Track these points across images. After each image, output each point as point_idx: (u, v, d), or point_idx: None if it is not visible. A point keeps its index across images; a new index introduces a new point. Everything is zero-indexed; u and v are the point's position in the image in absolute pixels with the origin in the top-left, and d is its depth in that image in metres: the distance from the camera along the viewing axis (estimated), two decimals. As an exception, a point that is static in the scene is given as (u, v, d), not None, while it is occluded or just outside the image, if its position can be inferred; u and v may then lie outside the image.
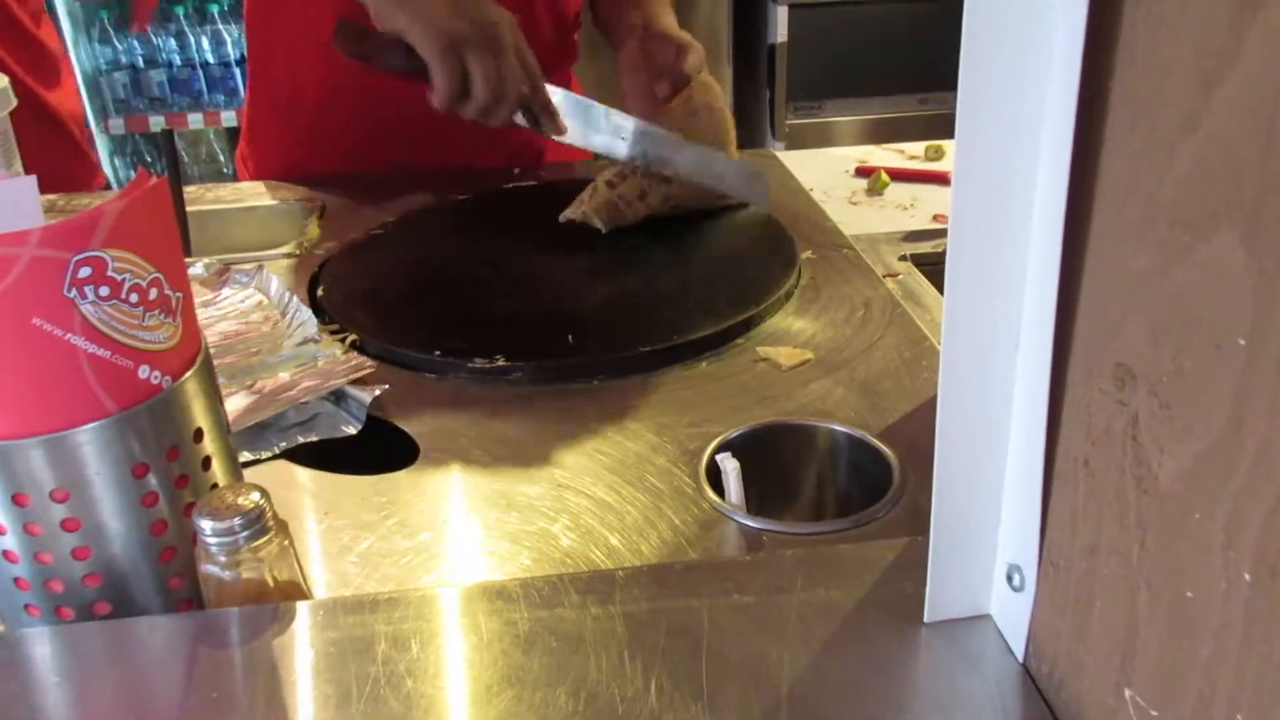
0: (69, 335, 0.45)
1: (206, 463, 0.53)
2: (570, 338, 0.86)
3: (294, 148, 1.34)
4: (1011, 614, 0.45)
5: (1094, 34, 0.34)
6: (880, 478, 0.69)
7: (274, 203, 1.25)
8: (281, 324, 0.91)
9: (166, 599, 0.52)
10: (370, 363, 0.82)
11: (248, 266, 1.01)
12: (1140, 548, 0.34)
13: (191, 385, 0.51)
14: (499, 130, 1.08)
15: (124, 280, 0.46)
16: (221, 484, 0.55)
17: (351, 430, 0.76)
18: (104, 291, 0.45)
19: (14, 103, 0.91)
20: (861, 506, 0.70)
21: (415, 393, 0.82)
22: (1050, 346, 0.38)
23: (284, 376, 0.81)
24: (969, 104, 0.38)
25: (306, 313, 0.90)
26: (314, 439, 0.75)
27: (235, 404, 0.77)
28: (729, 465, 0.65)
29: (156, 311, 0.48)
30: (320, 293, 0.97)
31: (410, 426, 0.78)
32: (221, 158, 3.18)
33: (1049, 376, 0.39)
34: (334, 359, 0.83)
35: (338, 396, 0.79)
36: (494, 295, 0.96)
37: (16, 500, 0.48)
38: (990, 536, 0.45)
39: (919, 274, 1.05)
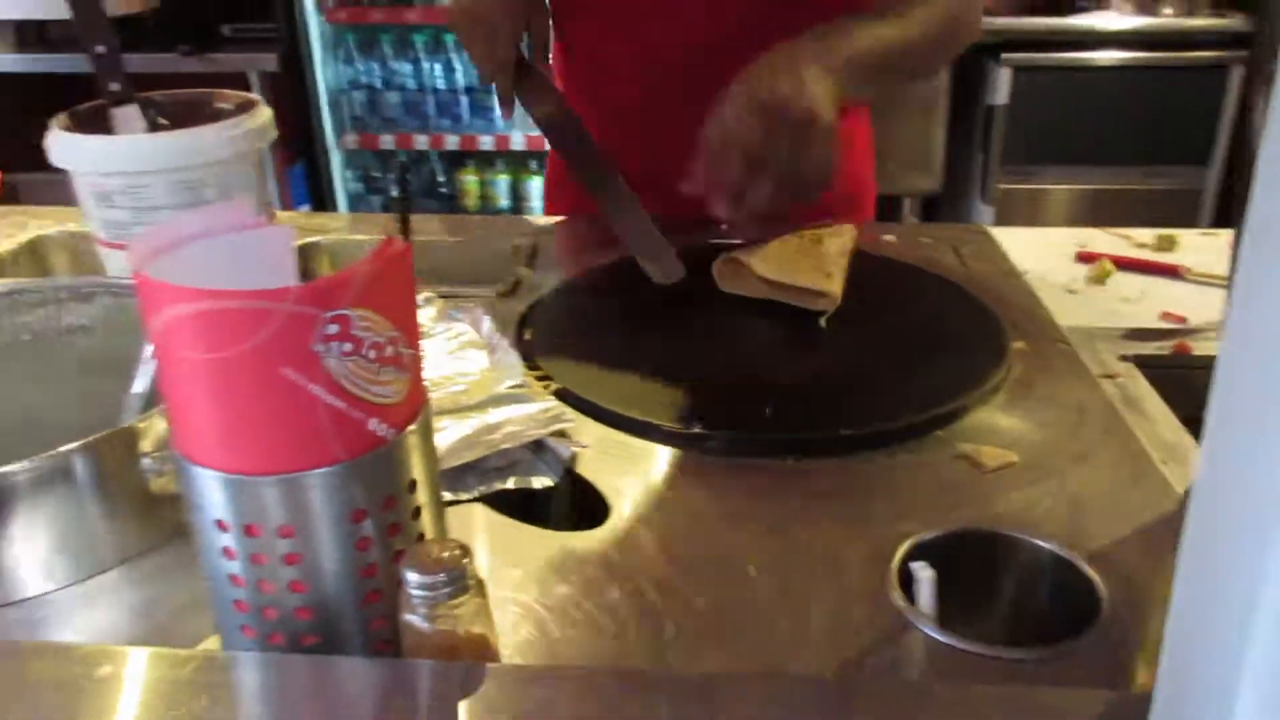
0: (311, 386, 0.48)
1: (416, 513, 0.55)
2: (768, 411, 0.85)
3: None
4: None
5: None
6: (1085, 606, 0.65)
7: (490, 239, 1.30)
8: (489, 364, 0.94)
9: (367, 640, 0.55)
10: (570, 414, 0.84)
11: (463, 303, 1.05)
12: None
13: (412, 439, 0.53)
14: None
15: (365, 338, 0.48)
16: (428, 534, 0.57)
17: (547, 483, 0.78)
18: (346, 348, 0.48)
19: (274, 134, 0.98)
20: (1061, 634, 0.66)
21: (610, 447, 0.84)
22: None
23: (489, 419, 0.83)
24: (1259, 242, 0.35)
25: (513, 356, 0.93)
26: (510, 487, 0.77)
27: (441, 441, 0.80)
28: (924, 574, 0.62)
29: (390, 368, 0.50)
30: (527, 336, 1.00)
31: (602, 483, 0.79)
32: (441, 178, 3.35)
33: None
34: (536, 407, 0.85)
35: (537, 446, 0.81)
36: (695, 355, 0.97)
37: (248, 531, 0.51)
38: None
39: (1141, 378, 0.99)
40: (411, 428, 0.53)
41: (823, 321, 1.02)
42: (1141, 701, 0.50)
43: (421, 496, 0.55)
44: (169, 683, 0.52)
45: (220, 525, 0.52)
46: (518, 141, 3.14)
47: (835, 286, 1.04)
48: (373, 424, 0.50)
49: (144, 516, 0.71)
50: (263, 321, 0.47)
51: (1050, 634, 0.69)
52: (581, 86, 1.32)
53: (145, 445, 0.70)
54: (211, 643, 0.61)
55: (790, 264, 1.06)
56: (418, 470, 0.54)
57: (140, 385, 0.84)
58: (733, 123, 0.92)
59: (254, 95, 1.02)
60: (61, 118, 0.98)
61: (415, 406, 0.54)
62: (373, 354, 0.49)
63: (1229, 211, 3.05)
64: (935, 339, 0.99)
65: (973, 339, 0.98)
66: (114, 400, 0.84)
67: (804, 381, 0.91)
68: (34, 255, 1.29)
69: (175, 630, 0.64)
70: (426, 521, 0.56)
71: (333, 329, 0.47)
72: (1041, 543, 0.69)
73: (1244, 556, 0.39)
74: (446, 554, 0.51)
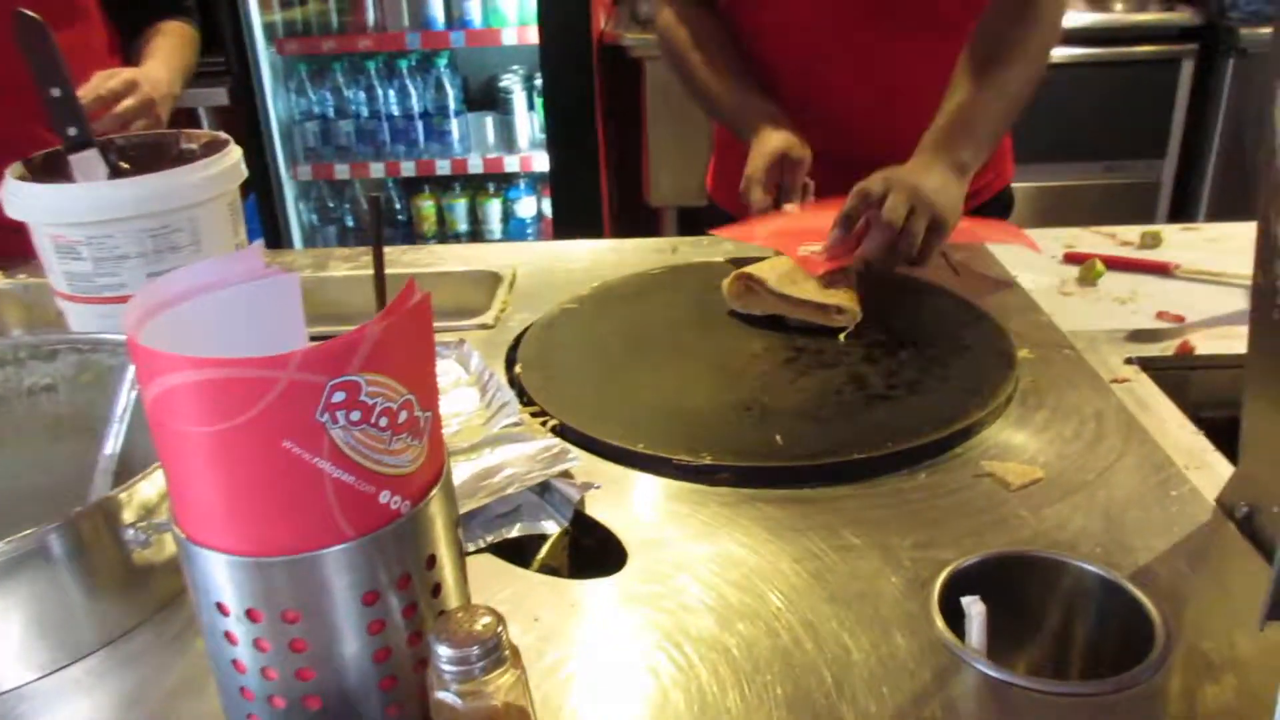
0: (316, 459, 0.44)
1: (436, 589, 0.50)
2: (778, 438, 0.82)
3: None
4: None
5: None
6: (1135, 629, 0.62)
7: (466, 268, 1.26)
8: (481, 402, 0.90)
9: (385, 726, 0.50)
10: (574, 453, 0.80)
11: (448, 338, 1.01)
12: None
13: (430, 509, 0.49)
14: None
15: (375, 404, 0.44)
16: (452, 605, 0.52)
17: (556, 528, 0.73)
18: (355, 416, 0.44)
19: (245, 174, 0.93)
20: (1113, 660, 0.63)
21: (617, 484, 0.80)
22: None
23: (487, 462, 0.79)
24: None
25: (509, 393, 0.89)
26: (516, 534, 0.73)
27: (439, 491, 0.75)
28: (974, 610, 0.59)
29: (404, 435, 0.46)
30: (518, 370, 0.96)
31: (613, 522, 0.75)
32: (398, 205, 3.29)
33: None
34: (536, 446, 0.80)
35: (543, 487, 0.77)
36: (699, 381, 0.93)
37: (250, 615, 0.47)
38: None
39: (1148, 380, 0.97)
40: (430, 497, 0.49)
41: (842, 338, 0.99)
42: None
43: (440, 572, 0.51)
44: (174, 786, 0.47)
45: (221, 609, 0.47)
46: (475, 165, 3.10)
47: (853, 301, 1.02)
48: (385, 496, 0.46)
49: (127, 592, 0.66)
50: (262, 391, 0.42)
51: (1099, 658, 0.66)
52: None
53: (127, 516, 0.65)
54: (214, 732, 0.56)
55: (804, 279, 1.04)
56: (436, 544, 0.50)
57: (110, 446, 0.79)
58: (890, 206, 1.04)
59: (223, 134, 0.97)
60: (16, 167, 0.93)
61: (434, 473, 0.50)
62: (384, 421, 0.45)
63: (1185, 203, 3.07)
64: (942, 352, 0.96)
65: (978, 349, 0.96)
66: (84, 462, 0.78)
67: (811, 403, 0.88)
68: (-14, 310, 1.23)
69: (171, 717, 0.59)
70: (450, 593, 0.52)
71: (339, 396, 0.43)
72: (1086, 565, 0.66)
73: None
74: (479, 624, 0.47)
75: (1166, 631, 0.60)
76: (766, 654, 0.61)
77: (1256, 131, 2.86)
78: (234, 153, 0.91)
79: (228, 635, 0.48)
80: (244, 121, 2.95)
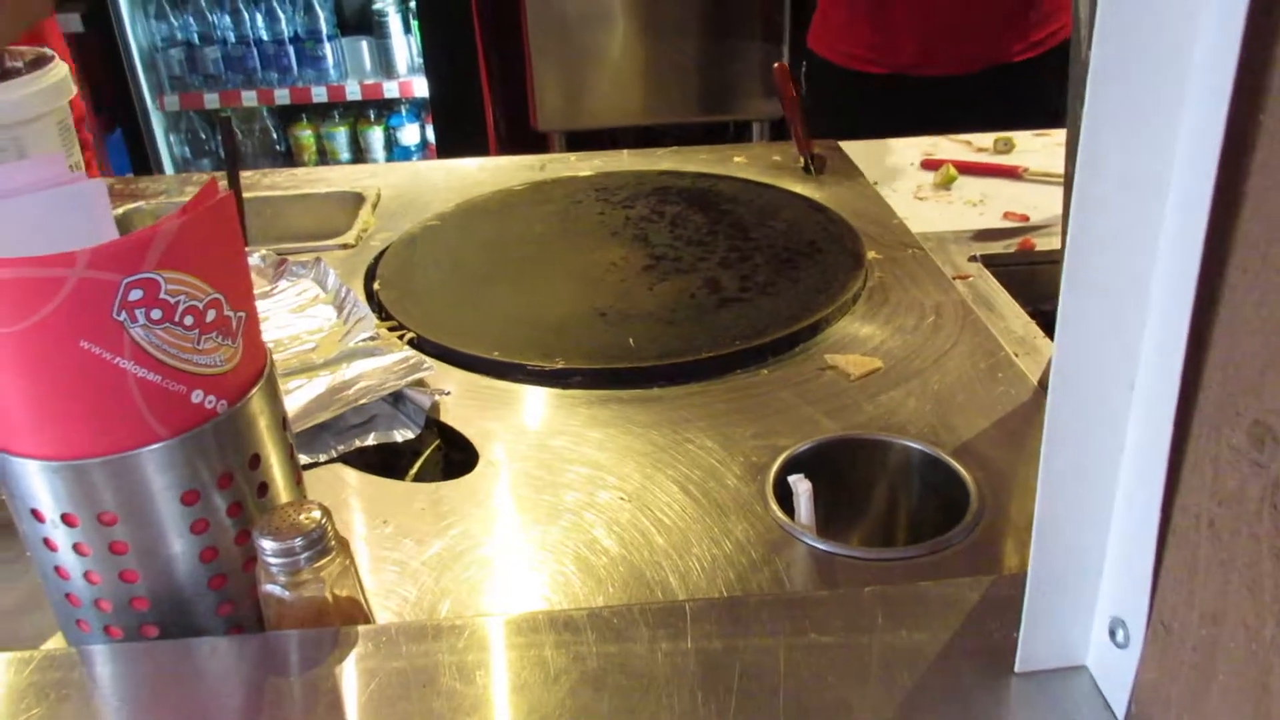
0: (117, 359, 0.43)
1: (263, 488, 0.51)
2: (631, 341, 0.83)
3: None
4: (1113, 670, 0.42)
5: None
6: (955, 499, 0.66)
7: (329, 190, 1.24)
8: (338, 319, 0.90)
9: (217, 625, 0.51)
10: (429, 363, 0.80)
11: (304, 258, 0.99)
12: (1277, 625, 0.31)
13: (250, 409, 0.49)
14: None
15: (178, 303, 0.44)
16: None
17: (409, 435, 0.74)
18: (156, 315, 0.44)
19: (73, 91, 0.90)
20: (935, 528, 0.67)
21: (473, 392, 0.81)
22: (1175, 393, 0.35)
23: (341, 376, 0.79)
24: (1096, 107, 0.35)
25: (364, 308, 0.88)
26: (371, 443, 0.74)
27: (292, 404, 0.75)
28: (801, 487, 0.62)
29: (214, 334, 0.46)
30: (376, 286, 0.96)
31: (468, 429, 0.76)
32: (275, 135, 3.19)
33: (1171, 425, 0.36)
34: (392, 358, 0.81)
35: (396, 398, 0.77)
36: (552, 291, 0.94)
37: (66, 520, 0.47)
38: (1091, 585, 0.42)
39: (990, 276, 1.01)
40: (248, 396, 0.49)
41: None
42: (1016, 583, 0.51)
43: (266, 470, 0.51)
44: (8, 688, 0.47)
45: (36, 515, 0.47)
46: (353, 91, 3.01)
47: None
48: (197, 396, 0.46)
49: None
50: (53, 290, 0.42)
51: (922, 527, 0.70)
52: None
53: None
54: (56, 641, 0.56)
55: None
56: (259, 443, 0.50)
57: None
58: None
59: (46, 49, 0.92)
60: None
61: (253, 371, 0.50)
62: (190, 320, 0.45)
63: (1056, 113, 3.16)
64: (793, 254, 0.99)
65: (830, 251, 0.99)
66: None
67: (664, 307, 0.90)
68: None
69: (13, 631, 0.59)
70: (279, 492, 0.52)
71: (136, 294, 0.43)
72: (910, 443, 0.70)
73: (1102, 433, 0.39)
74: (303, 516, 0.48)
75: (980, 498, 0.65)
76: (606, 541, 0.63)
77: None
78: (59, 69, 0.87)
79: (47, 541, 0.48)
80: (100, 48, 2.80)
